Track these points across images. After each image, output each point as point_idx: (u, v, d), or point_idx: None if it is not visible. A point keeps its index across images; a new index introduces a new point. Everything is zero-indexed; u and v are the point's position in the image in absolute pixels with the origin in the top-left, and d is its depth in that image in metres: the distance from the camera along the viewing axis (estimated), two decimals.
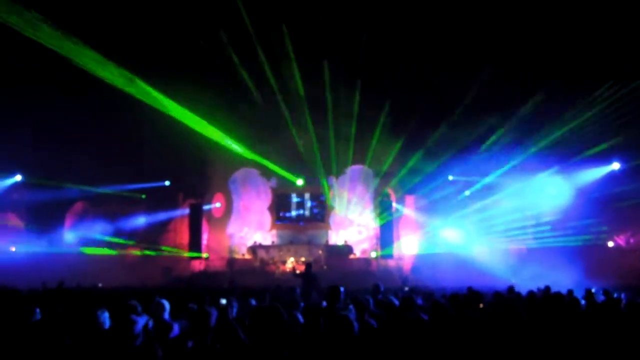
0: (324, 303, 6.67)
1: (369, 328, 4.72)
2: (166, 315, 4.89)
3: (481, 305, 6.42)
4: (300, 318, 5.06)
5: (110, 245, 22.37)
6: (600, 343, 4.05)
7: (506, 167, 20.18)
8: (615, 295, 8.13)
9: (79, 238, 21.88)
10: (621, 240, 20.45)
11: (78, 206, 23.08)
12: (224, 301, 4.08)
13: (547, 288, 9.02)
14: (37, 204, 20.58)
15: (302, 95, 19.77)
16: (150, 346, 3.74)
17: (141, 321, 3.90)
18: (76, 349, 3.23)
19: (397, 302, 5.79)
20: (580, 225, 18.73)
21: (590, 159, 18.84)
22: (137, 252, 23.06)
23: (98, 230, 22.19)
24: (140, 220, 23.29)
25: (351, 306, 5.48)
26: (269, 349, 2.72)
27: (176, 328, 4.68)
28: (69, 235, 21.83)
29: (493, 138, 19.06)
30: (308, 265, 11.70)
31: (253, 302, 6.52)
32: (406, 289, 11.65)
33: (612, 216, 18.77)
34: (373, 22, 15.56)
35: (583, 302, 7.65)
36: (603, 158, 19.02)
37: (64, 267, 16.27)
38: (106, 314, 4.09)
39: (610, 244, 20.27)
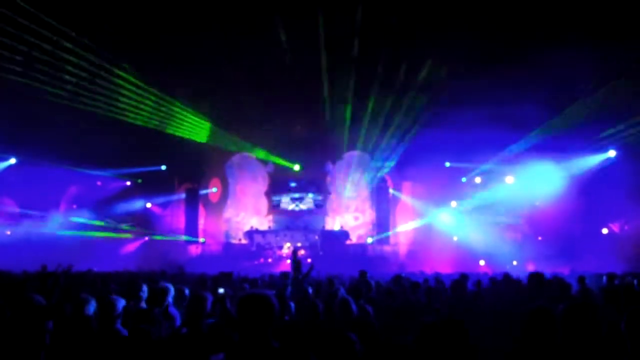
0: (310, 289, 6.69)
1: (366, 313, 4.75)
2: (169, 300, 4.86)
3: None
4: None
5: (105, 229, 22.32)
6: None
7: (502, 154, 20.19)
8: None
9: (73, 222, 21.80)
10: (615, 228, 20.55)
11: (73, 190, 22.97)
12: (221, 290, 4.01)
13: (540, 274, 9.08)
14: (32, 188, 20.45)
15: (298, 80, 19.62)
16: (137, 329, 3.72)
17: (122, 302, 3.88)
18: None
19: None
20: (575, 212, 18.77)
21: (586, 146, 18.85)
22: (131, 236, 23.06)
23: (93, 214, 22.12)
24: (136, 205, 23.23)
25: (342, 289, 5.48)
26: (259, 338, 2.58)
27: (177, 316, 4.66)
28: (64, 219, 21.74)
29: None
30: (294, 251, 11.81)
31: (247, 286, 6.53)
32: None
33: (607, 203, 18.82)
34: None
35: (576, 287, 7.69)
36: (599, 145, 19.02)
37: (58, 250, 16.18)
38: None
39: (605, 230, 20.37)
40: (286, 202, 25.21)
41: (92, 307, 4.07)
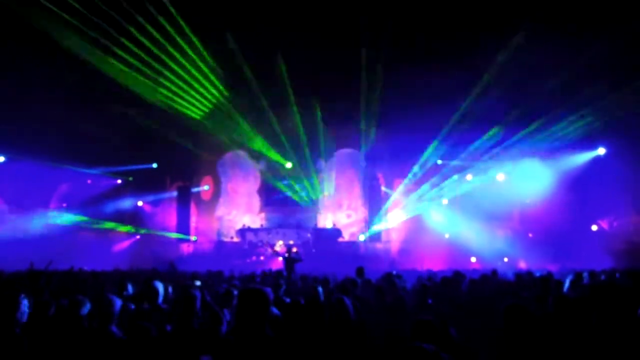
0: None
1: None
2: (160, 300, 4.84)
3: None
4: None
5: (96, 227, 22.17)
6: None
7: (493, 152, 20.32)
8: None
9: (64, 220, 21.64)
10: (605, 224, 20.75)
11: (63, 188, 22.79)
12: (198, 282, 4.03)
13: (529, 272, 9.18)
14: (22, 186, 20.27)
15: (288, 79, 19.65)
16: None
17: (119, 302, 3.88)
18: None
19: None
20: (564, 210, 18.94)
21: (576, 144, 19.01)
22: (123, 233, 22.94)
23: (84, 212, 21.97)
24: (128, 203, 23.10)
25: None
26: (256, 331, 2.71)
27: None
28: (54, 217, 21.58)
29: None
30: (289, 249, 11.90)
31: (237, 283, 6.53)
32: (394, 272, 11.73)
33: (596, 200, 19.01)
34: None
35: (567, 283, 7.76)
36: (589, 143, 19.19)
37: (48, 249, 16.05)
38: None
39: (594, 227, 20.57)
40: (278, 200, 25.13)
41: (87, 308, 4.06)
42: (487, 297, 6.05)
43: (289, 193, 24.98)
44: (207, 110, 20.90)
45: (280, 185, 24.63)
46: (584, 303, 4.41)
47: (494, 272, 8.52)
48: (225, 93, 20.51)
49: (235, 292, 5.22)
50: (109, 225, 22.45)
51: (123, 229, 22.92)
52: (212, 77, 19.58)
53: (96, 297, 3.99)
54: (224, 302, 4.96)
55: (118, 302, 3.85)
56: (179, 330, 3.73)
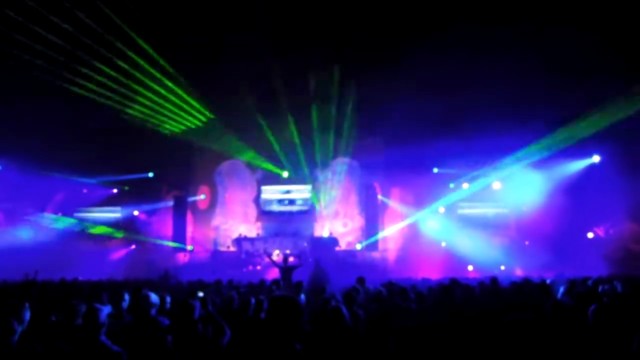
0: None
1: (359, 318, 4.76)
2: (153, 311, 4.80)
3: None
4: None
5: (91, 236, 22.06)
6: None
7: (489, 161, 20.40)
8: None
9: (60, 229, 21.51)
10: (600, 232, 20.80)
11: (59, 197, 22.70)
12: (201, 294, 4.01)
13: (526, 279, 9.18)
14: (17, 195, 20.17)
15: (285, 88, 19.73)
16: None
17: (105, 310, 3.84)
18: None
19: None
20: (560, 217, 18.99)
21: (571, 152, 19.11)
22: (119, 242, 22.83)
23: (80, 221, 21.87)
24: (123, 212, 23.01)
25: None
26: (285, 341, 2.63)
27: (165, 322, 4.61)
28: (50, 226, 21.45)
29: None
30: (285, 258, 11.90)
31: (235, 294, 6.49)
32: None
33: (592, 208, 19.08)
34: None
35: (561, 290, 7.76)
36: (584, 151, 19.30)
37: (43, 258, 15.94)
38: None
39: (590, 235, 20.62)
40: (274, 209, 25.09)
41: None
42: (492, 307, 6.05)
43: (286, 202, 24.91)
44: (192, 126, 21.25)
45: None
46: (579, 309, 4.43)
47: (494, 280, 8.43)
48: (210, 116, 21.00)
49: (253, 301, 5.14)
50: (105, 234, 22.37)
51: (118, 238, 22.81)
52: (194, 102, 20.07)
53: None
54: (239, 315, 4.87)
55: (105, 311, 3.80)
56: (176, 340, 3.71)
